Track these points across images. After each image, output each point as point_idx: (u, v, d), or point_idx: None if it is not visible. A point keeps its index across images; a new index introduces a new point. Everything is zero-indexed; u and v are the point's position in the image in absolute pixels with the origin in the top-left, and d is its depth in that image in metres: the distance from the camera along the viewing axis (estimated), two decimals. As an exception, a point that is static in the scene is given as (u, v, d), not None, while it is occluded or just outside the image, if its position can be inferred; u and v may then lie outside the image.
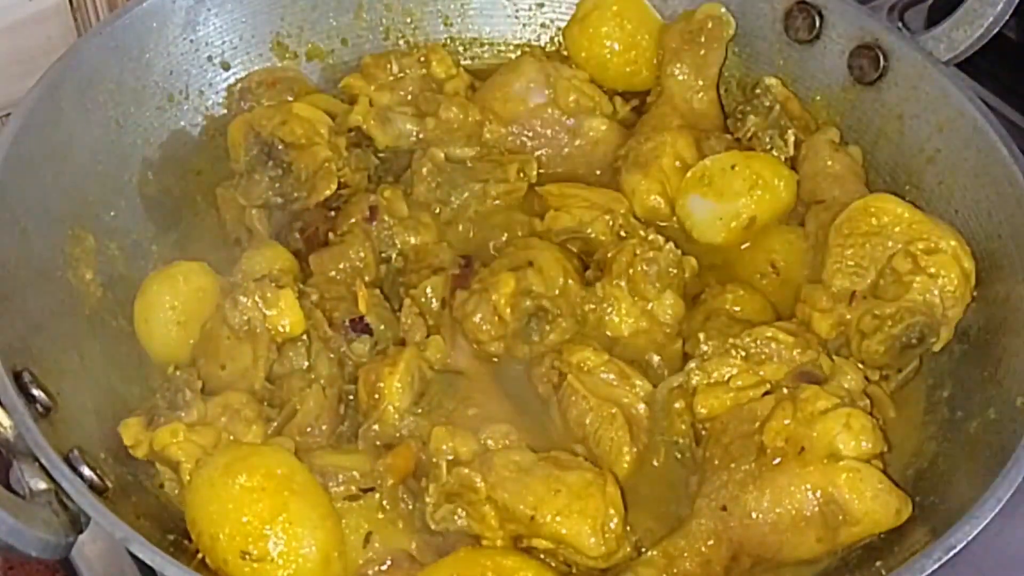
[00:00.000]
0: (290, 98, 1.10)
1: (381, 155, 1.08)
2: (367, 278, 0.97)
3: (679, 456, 0.91)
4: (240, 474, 0.79)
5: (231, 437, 0.85)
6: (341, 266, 0.98)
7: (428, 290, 0.97)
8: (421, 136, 1.09)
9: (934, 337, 0.93)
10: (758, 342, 0.92)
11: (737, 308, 0.98)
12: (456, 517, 0.83)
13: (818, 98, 1.12)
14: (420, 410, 0.89)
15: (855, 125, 1.10)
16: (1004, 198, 0.95)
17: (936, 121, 1.02)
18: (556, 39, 1.23)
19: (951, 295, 0.92)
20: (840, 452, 0.82)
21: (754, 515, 0.82)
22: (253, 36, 1.12)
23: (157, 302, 0.93)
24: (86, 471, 0.78)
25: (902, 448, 0.91)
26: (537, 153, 1.11)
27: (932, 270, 0.92)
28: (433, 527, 0.83)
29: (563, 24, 1.21)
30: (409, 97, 1.12)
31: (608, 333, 0.96)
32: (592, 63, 1.16)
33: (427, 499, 0.83)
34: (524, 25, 1.23)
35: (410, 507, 0.85)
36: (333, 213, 1.02)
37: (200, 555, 0.79)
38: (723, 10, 1.14)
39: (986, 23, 1.03)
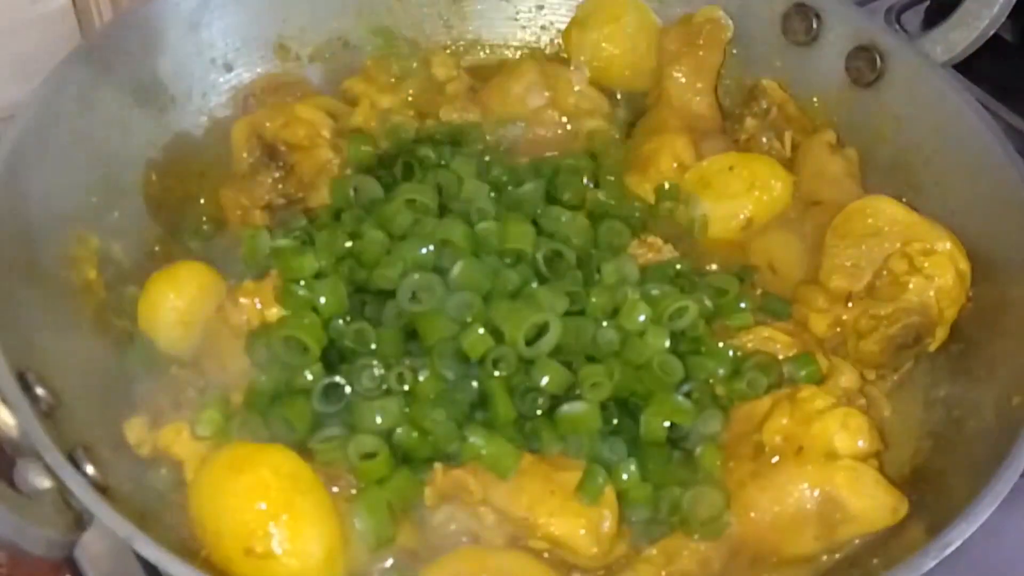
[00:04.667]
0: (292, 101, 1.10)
1: (382, 156, 1.09)
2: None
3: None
4: (244, 472, 0.79)
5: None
6: (343, 266, 0.98)
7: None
8: (422, 137, 1.10)
9: (930, 337, 0.94)
10: (755, 342, 0.92)
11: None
12: (454, 518, 0.84)
13: (815, 100, 1.13)
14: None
15: (852, 127, 1.10)
16: (1000, 199, 0.95)
17: (933, 123, 1.03)
18: (556, 41, 1.23)
19: (947, 296, 0.93)
20: (837, 451, 0.83)
21: (753, 513, 0.83)
22: (256, 38, 1.13)
23: (160, 302, 0.93)
24: (90, 469, 0.78)
25: (899, 447, 0.92)
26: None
27: (928, 271, 0.92)
28: (432, 527, 0.84)
29: (563, 26, 1.22)
30: (410, 99, 1.12)
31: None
32: (591, 65, 1.17)
33: (425, 500, 0.84)
34: (524, 27, 1.23)
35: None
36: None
37: (204, 553, 0.79)
38: (721, 13, 1.14)
39: (982, 25, 1.04)
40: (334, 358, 0.88)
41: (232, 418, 0.86)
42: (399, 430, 0.84)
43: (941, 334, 0.95)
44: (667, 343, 0.88)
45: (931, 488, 0.87)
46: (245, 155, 1.03)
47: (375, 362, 0.86)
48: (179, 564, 0.72)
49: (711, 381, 0.90)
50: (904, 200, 0.99)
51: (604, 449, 0.85)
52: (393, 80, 1.13)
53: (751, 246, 1.05)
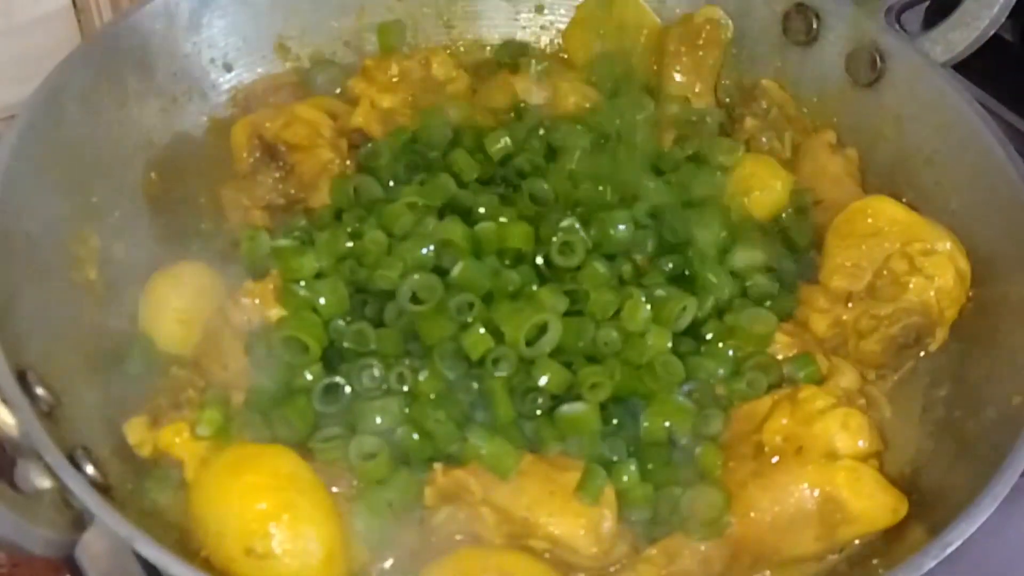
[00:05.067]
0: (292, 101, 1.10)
1: (383, 156, 1.09)
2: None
3: (678, 454, 0.92)
4: (245, 472, 0.79)
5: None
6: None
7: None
8: (422, 137, 1.10)
9: (930, 337, 0.94)
10: (756, 342, 0.93)
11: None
12: (454, 518, 0.84)
13: (816, 100, 1.13)
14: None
15: (852, 127, 1.10)
16: (1000, 199, 0.95)
17: (933, 123, 1.03)
18: (556, 41, 1.23)
19: (947, 296, 0.93)
20: (838, 451, 0.83)
21: (753, 514, 0.83)
22: (256, 38, 1.13)
23: (160, 302, 0.93)
24: (90, 469, 0.78)
25: (899, 447, 0.92)
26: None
27: (928, 271, 0.93)
28: (432, 527, 0.84)
29: (563, 26, 1.22)
30: (410, 99, 1.12)
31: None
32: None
33: (426, 500, 0.84)
34: (524, 28, 1.24)
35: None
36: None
37: (204, 553, 0.80)
38: (721, 13, 1.14)
39: (982, 25, 1.04)
40: (334, 358, 0.88)
41: (233, 418, 0.86)
42: (399, 430, 0.85)
43: (941, 334, 0.95)
44: (669, 343, 0.88)
45: (931, 488, 0.87)
46: (245, 155, 1.04)
47: (375, 362, 0.86)
48: (179, 564, 0.72)
49: (711, 381, 0.90)
50: (904, 200, 0.99)
51: (604, 449, 0.85)
52: (393, 80, 1.13)
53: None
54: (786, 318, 0.96)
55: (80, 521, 0.76)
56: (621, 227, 0.93)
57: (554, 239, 0.91)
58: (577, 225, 0.93)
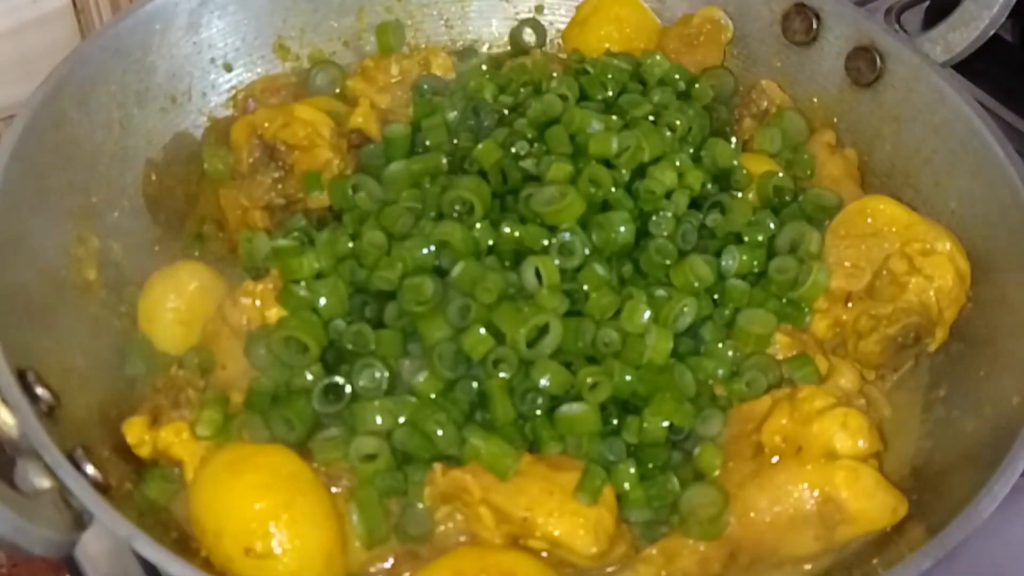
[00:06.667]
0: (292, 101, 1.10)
1: (382, 156, 1.09)
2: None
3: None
4: (245, 472, 0.79)
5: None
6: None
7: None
8: (422, 137, 1.10)
9: (930, 337, 0.94)
10: (755, 342, 0.93)
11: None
12: (454, 518, 0.84)
13: (815, 100, 1.13)
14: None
15: (852, 127, 1.10)
16: (1000, 199, 0.96)
17: (933, 123, 1.03)
18: (556, 42, 1.23)
19: (946, 296, 0.93)
20: (837, 451, 0.83)
21: (752, 513, 0.83)
22: (255, 38, 1.13)
23: (160, 302, 0.94)
24: (89, 469, 0.78)
25: (899, 447, 0.92)
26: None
27: (927, 271, 0.93)
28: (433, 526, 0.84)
29: (563, 27, 1.22)
30: (410, 99, 1.12)
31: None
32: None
33: (425, 500, 0.84)
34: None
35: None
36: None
37: (204, 553, 0.80)
38: (721, 13, 1.14)
39: (982, 25, 1.04)
40: (334, 358, 0.89)
41: (232, 418, 0.86)
42: (399, 431, 0.85)
43: (941, 334, 0.95)
44: (671, 344, 0.88)
45: (931, 488, 0.87)
46: (245, 155, 1.04)
47: (375, 362, 0.86)
48: (179, 564, 0.72)
49: (710, 382, 0.90)
50: (904, 200, 0.99)
51: (603, 449, 0.85)
52: (393, 80, 1.13)
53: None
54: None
55: (80, 521, 0.76)
56: (621, 229, 0.93)
57: (553, 240, 0.91)
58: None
